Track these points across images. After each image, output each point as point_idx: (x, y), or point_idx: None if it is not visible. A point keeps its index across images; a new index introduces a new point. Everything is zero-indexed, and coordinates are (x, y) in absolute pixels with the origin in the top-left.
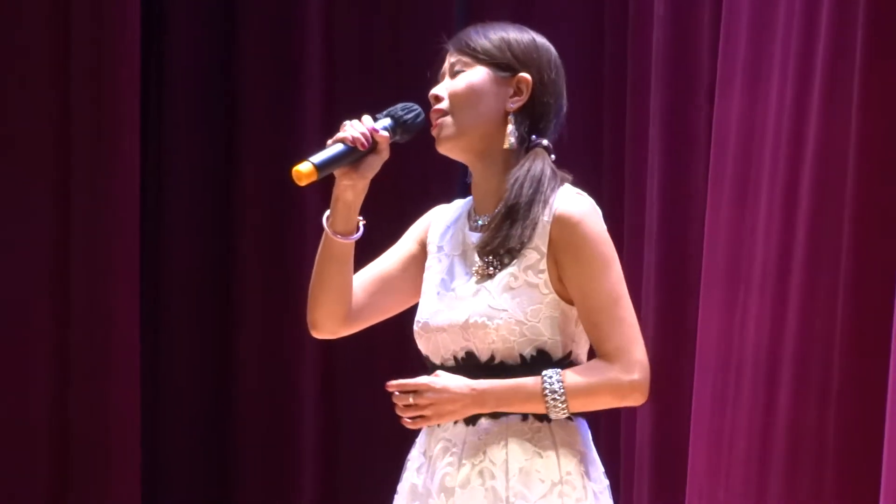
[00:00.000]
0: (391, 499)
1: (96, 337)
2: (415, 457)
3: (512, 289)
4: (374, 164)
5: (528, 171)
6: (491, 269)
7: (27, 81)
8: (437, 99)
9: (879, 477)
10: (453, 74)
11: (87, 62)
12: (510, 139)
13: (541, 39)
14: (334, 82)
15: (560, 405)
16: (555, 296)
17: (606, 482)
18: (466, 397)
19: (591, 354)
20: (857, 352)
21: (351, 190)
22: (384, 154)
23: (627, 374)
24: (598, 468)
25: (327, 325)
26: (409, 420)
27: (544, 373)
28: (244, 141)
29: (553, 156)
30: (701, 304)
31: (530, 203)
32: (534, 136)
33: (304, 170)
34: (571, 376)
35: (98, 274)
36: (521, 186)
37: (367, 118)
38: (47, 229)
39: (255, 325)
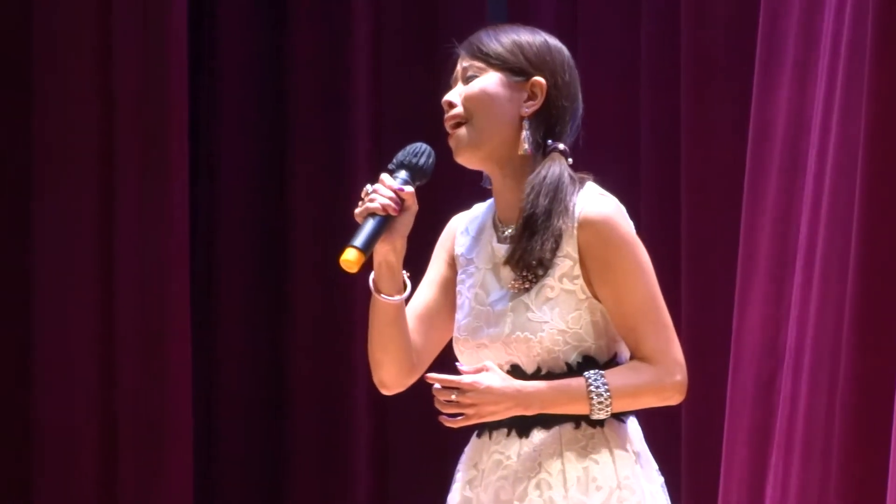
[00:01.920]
0: (441, 500)
1: (148, 336)
2: (465, 469)
3: (550, 299)
4: (408, 221)
5: (545, 178)
6: (527, 283)
7: (71, 77)
8: (451, 105)
9: None
10: (466, 80)
11: (131, 64)
12: (524, 145)
13: (553, 41)
14: (381, 75)
15: (605, 406)
16: (592, 300)
17: (661, 479)
18: (510, 399)
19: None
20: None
21: (392, 253)
22: (413, 208)
23: (670, 377)
24: (652, 466)
25: (397, 383)
26: (447, 417)
27: (586, 374)
28: (295, 140)
29: (570, 159)
30: (738, 295)
31: (549, 213)
32: (550, 141)
33: (352, 258)
34: (615, 377)
35: (149, 276)
36: (538, 196)
37: (385, 177)
38: (95, 231)
39: (307, 325)
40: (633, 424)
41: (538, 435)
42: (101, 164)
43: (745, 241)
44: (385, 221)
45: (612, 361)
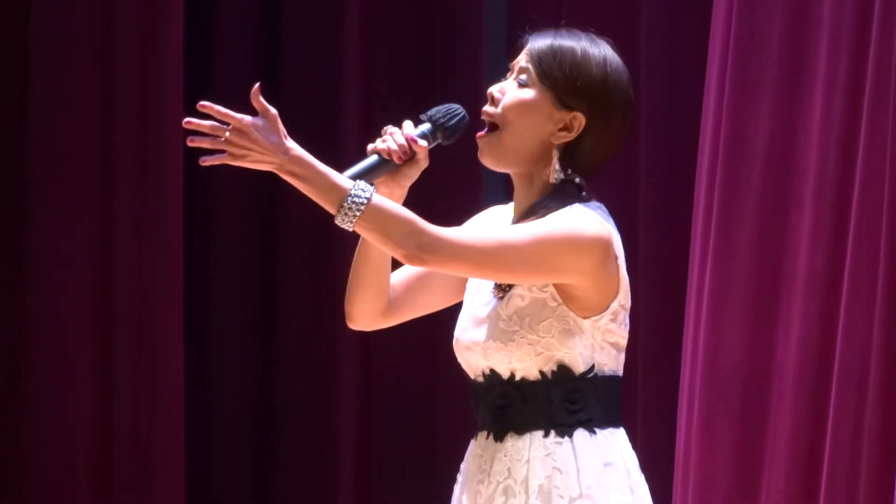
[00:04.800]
0: None
1: (141, 346)
2: (462, 471)
3: (520, 307)
4: (412, 174)
5: (544, 208)
6: (500, 291)
7: (71, 86)
8: (493, 101)
9: None
10: (518, 80)
11: (130, 76)
12: (555, 175)
13: (615, 79)
14: (373, 86)
15: (349, 219)
16: (564, 307)
17: (644, 490)
18: (275, 160)
19: (628, 366)
20: None
21: (388, 198)
22: (422, 163)
23: (426, 233)
24: (630, 479)
25: (363, 320)
26: (206, 156)
27: (358, 182)
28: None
29: (584, 192)
30: (713, 318)
31: None
32: (569, 170)
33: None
34: (382, 200)
35: (143, 284)
36: (530, 220)
37: (407, 124)
38: (91, 239)
39: (296, 333)
40: (612, 436)
41: (510, 441)
42: (98, 175)
43: (714, 262)
44: (385, 164)
45: (590, 371)
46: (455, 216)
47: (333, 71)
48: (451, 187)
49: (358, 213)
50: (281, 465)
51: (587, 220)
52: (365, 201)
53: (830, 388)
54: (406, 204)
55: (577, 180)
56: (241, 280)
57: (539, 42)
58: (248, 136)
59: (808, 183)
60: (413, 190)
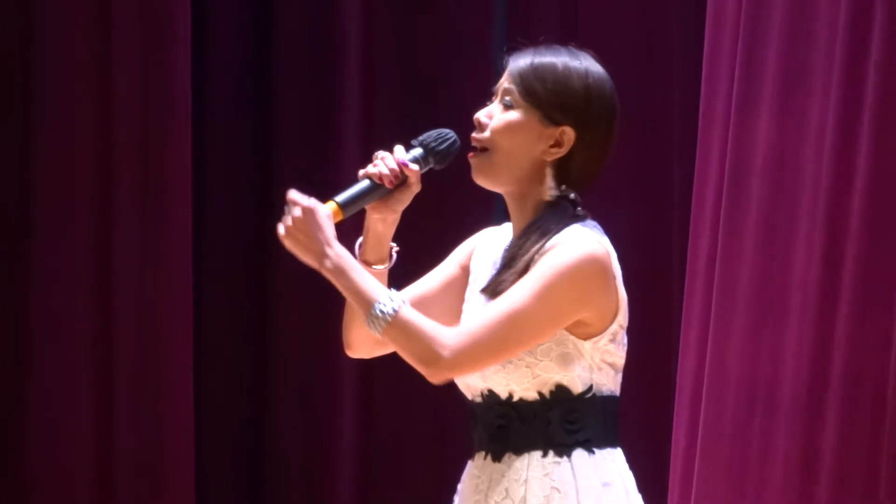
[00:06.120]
0: None
1: (148, 353)
2: (459, 491)
3: None
4: (404, 199)
5: (540, 227)
6: None
7: (70, 84)
8: (480, 127)
9: None
10: (503, 102)
11: (133, 86)
12: (550, 192)
13: (597, 88)
14: (373, 97)
15: (377, 325)
16: (563, 331)
17: None
18: (316, 255)
19: (626, 386)
20: None
21: (381, 223)
22: (415, 188)
23: (446, 349)
24: (628, 499)
25: (361, 347)
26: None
27: (390, 293)
28: (282, 158)
29: (579, 208)
30: (714, 331)
31: (527, 252)
32: (563, 186)
33: (328, 210)
34: (410, 312)
35: (146, 300)
36: (527, 241)
37: (399, 149)
38: (93, 251)
39: (292, 343)
40: (610, 456)
41: (509, 461)
42: (101, 185)
43: (721, 276)
44: (377, 189)
45: (588, 392)
46: (466, 229)
47: (333, 88)
48: (463, 201)
49: (384, 325)
50: (278, 483)
51: (584, 241)
52: (391, 314)
53: (839, 404)
54: (419, 219)
55: (572, 196)
56: (238, 296)
57: (519, 62)
58: (303, 220)
59: (811, 198)
60: (427, 204)
